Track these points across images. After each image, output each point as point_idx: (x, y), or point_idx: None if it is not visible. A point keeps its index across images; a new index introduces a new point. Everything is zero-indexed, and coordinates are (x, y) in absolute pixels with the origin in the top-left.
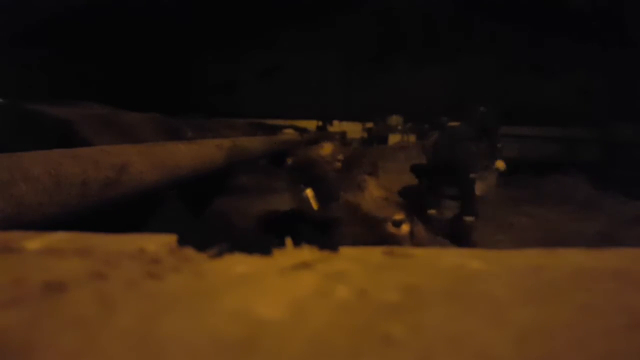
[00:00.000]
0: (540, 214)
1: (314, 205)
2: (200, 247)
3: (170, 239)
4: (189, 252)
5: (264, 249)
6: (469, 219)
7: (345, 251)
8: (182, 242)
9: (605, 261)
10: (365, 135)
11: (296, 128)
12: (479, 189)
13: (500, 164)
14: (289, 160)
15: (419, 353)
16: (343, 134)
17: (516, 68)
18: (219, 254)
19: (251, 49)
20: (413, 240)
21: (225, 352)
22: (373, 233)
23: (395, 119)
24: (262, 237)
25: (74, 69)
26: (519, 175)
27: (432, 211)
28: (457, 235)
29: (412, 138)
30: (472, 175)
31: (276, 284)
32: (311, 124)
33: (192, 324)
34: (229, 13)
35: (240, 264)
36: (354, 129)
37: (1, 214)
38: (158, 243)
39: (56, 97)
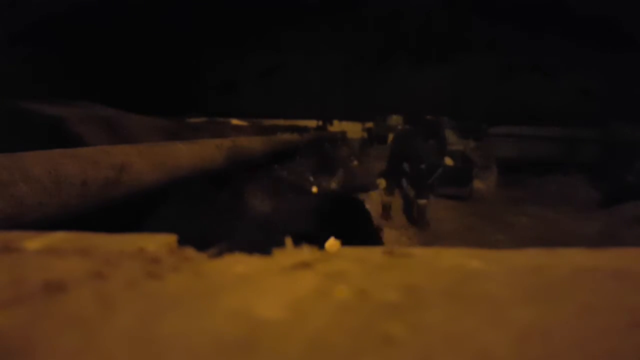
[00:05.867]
0: (540, 214)
1: None
2: (200, 247)
3: (170, 239)
4: (189, 252)
5: (264, 249)
6: (421, 201)
7: (345, 251)
8: (182, 242)
9: (605, 261)
10: (365, 135)
11: (296, 128)
12: (478, 188)
13: (448, 160)
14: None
15: (419, 353)
16: (343, 134)
17: (516, 68)
18: (219, 254)
19: (251, 50)
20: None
21: (225, 352)
22: None
23: (395, 119)
24: (262, 237)
25: (74, 69)
26: (519, 175)
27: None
28: (413, 215)
29: None
30: (422, 166)
31: (276, 284)
32: (311, 124)
33: (192, 324)
34: (230, 14)
35: (240, 264)
36: (354, 129)
37: (1, 214)
38: (158, 243)
39: (55, 97)
